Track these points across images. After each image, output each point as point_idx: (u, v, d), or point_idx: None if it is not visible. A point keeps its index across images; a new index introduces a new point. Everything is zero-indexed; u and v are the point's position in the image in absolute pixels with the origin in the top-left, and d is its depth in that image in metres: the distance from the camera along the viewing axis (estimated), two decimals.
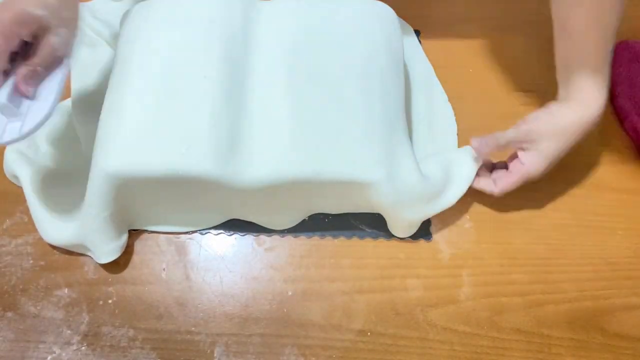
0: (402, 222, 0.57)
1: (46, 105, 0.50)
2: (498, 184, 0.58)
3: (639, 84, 0.68)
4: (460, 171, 0.58)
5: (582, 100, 0.55)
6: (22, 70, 0.48)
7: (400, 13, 0.68)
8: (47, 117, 0.50)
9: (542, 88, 0.70)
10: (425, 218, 0.58)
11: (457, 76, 0.70)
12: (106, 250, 0.55)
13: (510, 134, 0.56)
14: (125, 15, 0.60)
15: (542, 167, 0.55)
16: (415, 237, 0.59)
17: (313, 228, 0.60)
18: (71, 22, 0.51)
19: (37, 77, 0.49)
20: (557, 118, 0.55)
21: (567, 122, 0.55)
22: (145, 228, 0.59)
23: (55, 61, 0.50)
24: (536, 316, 0.56)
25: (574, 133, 0.55)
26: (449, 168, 0.58)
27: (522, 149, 0.56)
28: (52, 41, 0.48)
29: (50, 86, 0.51)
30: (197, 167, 0.50)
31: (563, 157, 0.57)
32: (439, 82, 0.69)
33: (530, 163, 0.55)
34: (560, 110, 0.56)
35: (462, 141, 0.65)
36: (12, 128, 0.49)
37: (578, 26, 0.53)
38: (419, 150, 0.63)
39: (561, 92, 0.57)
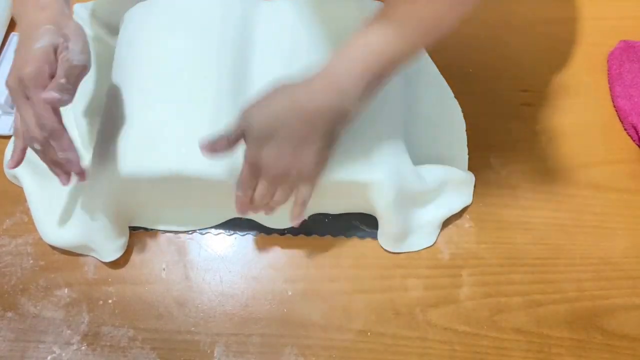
0: (395, 227, 0.57)
1: None
2: None
3: (639, 84, 0.68)
4: (456, 199, 0.60)
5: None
6: (50, 88, 0.46)
7: None
8: None
9: (542, 88, 0.70)
10: (413, 228, 0.58)
11: (457, 76, 0.70)
12: (111, 248, 0.55)
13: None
14: (126, 16, 0.60)
15: None
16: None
17: (313, 228, 0.60)
18: (76, 34, 0.49)
19: (64, 88, 0.47)
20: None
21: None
22: (148, 227, 0.59)
23: (79, 70, 0.48)
24: (536, 316, 0.56)
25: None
26: (446, 182, 0.59)
27: None
28: (67, 56, 0.48)
29: None
30: (197, 167, 0.50)
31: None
32: (444, 80, 0.69)
33: None
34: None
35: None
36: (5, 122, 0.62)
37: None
38: (425, 148, 0.63)
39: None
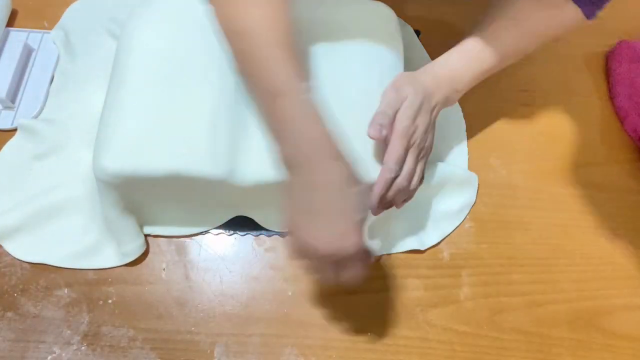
0: (395, 227, 0.57)
1: (37, 102, 0.63)
2: None
3: (639, 84, 0.68)
4: (457, 199, 0.61)
5: None
6: None
7: (400, 13, 0.68)
8: (38, 114, 0.62)
9: (542, 88, 0.70)
10: (414, 228, 0.59)
11: None
12: (127, 249, 0.56)
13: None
14: (128, 15, 0.60)
15: None
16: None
17: None
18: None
19: None
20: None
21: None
22: (150, 233, 0.58)
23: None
24: (536, 316, 0.56)
25: None
26: (448, 182, 0.60)
27: None
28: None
29: (41, 84, 0.64)
30: (196, 166, 0.50)
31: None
32: None
33: None
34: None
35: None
36: (5, 117, 0.62)
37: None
38: None
39: None
